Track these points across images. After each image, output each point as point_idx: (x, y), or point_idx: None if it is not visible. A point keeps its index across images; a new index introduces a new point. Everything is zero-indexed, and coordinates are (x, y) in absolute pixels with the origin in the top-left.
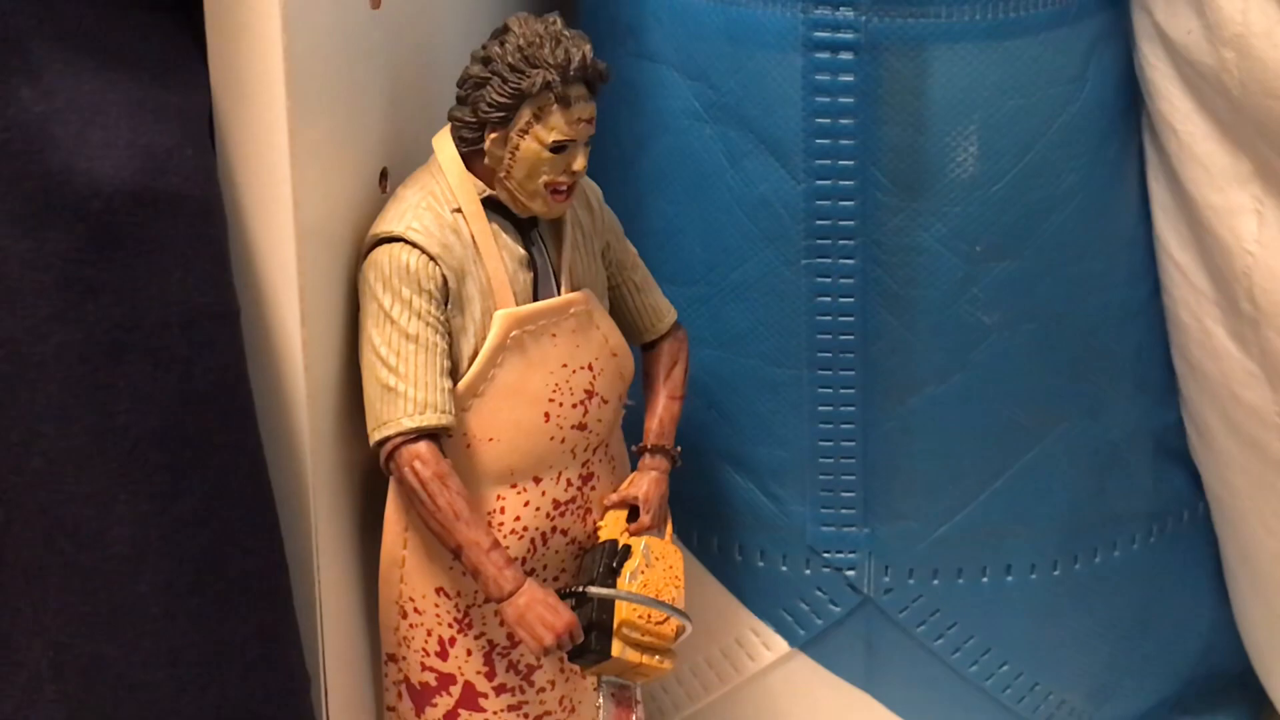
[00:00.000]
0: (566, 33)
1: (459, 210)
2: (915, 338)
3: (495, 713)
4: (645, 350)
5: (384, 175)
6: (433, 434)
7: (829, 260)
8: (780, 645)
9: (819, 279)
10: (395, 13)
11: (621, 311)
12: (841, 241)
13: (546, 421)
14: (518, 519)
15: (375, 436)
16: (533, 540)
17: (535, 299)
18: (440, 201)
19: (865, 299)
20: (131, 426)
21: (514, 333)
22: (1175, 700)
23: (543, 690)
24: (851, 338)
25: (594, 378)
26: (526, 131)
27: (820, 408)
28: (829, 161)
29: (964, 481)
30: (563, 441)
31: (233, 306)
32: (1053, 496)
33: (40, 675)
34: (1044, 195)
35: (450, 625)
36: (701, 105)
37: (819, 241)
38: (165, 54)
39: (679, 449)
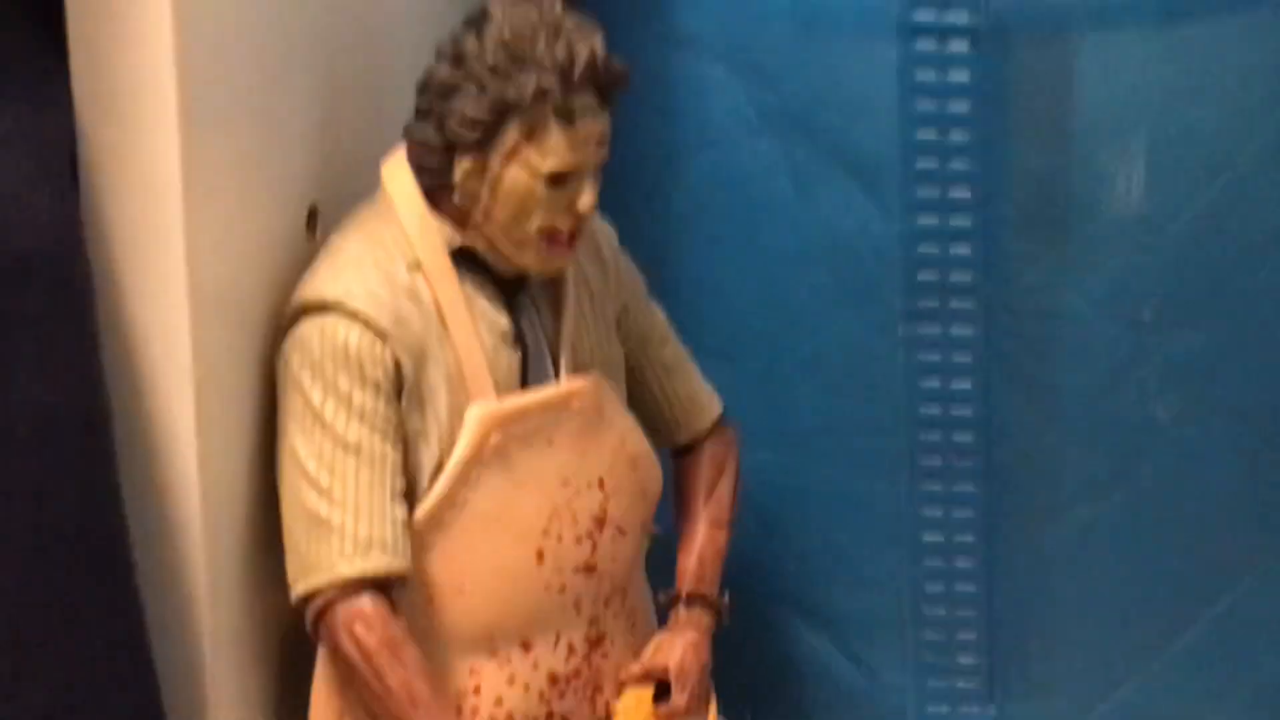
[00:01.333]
0: (568, 20)
1: (418, 267)
2: (1060, 438)
3: None
4: (678, 457)
5: (312, 216)
6: (380, 584)
7: (937, 328)
8: None
9: (923, 354)
10: None
11: (645, 403)
12: (955, 303)
13: (540, 563)
14: (499, 702)
15: (300, 588)
16: None
17: (524, 388)
18: (392, 254)
19: (989, 382)
20: None
21: (494, 437)
22: None
23: None
24: (969, 438)
25: (606, 499)
26: (513, 157)
27: (926, 537)
28: (936, 191)
29: (1130, 642)
30: (562, 590)
31: (102, 410)
32: (1257, 664)
33: None
34: (1239, 241)
35: None
36: (757, 112)
37: (923, 302)
38: (10, 61)
39: (726, 597)
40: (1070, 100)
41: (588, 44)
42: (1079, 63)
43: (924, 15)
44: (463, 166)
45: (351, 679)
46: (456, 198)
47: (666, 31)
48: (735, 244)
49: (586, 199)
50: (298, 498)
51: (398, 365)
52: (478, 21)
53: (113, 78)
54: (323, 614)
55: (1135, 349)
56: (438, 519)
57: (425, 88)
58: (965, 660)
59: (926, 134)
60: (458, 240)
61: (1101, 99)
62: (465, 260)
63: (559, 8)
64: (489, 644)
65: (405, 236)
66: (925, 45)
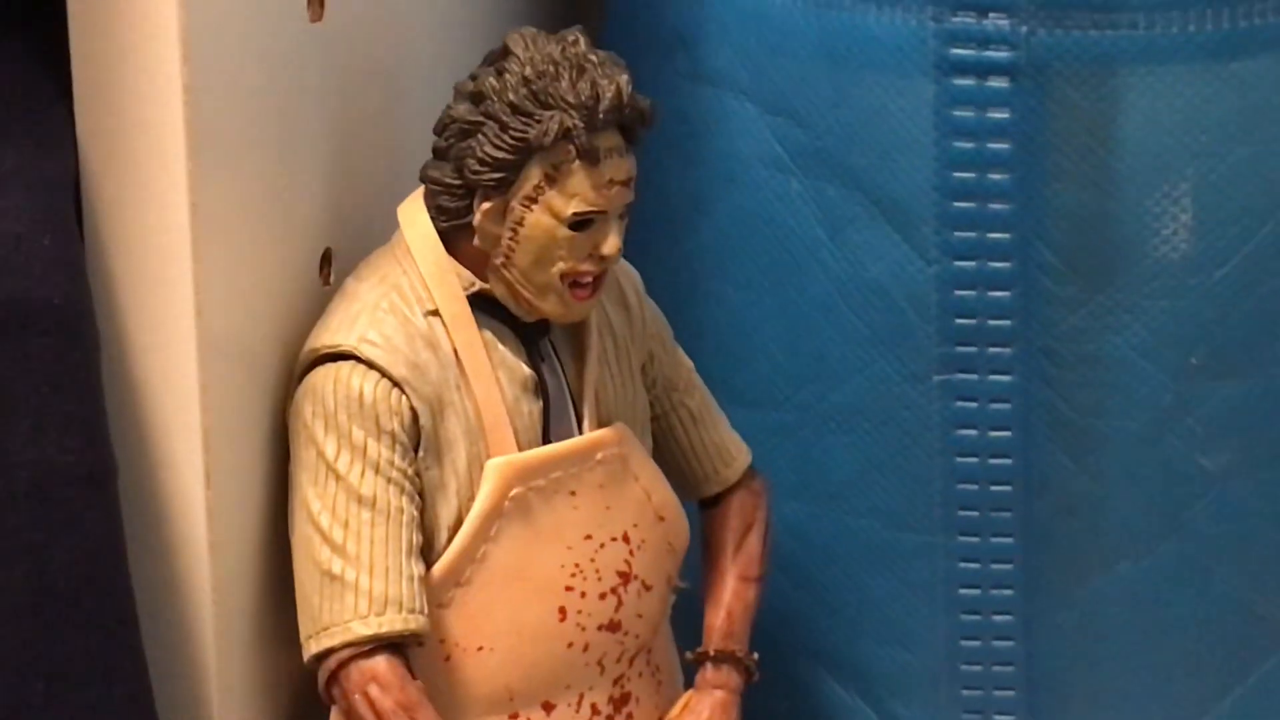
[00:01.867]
0: (593, 57)
1: (435, 313)
2: (1102, 490)
3: None
4: (705, 508)
5: (326, 260)
6: (396, 644)
7: (974, 376)
8: None
9: (960, 403)
10: (345, 27)
11: (671, 453)
12: (993, 349)
13: (562, 620)
14: None
15: (313, 648)
16: None
17: (546, 440)
18: (409, 300)
19: (1028, 433)
20: None
21: (515, 490)
22: None
23: None
24: (1008, 489)
25: (631, 553)
26: (535, 199)
27: (962, 591)
28: (973, 234)
29: (1176, 702)
30: (586, 649)
31: (106, 464)
32: None
33: None
34: None
35: None
36: (787, 150)
37: (960, 348)
38: (10, 98)
39: (756, 656)
40: (1114, 140)
41: (613, 81)
42: (1123, 101)
43: (962, 51)
44: (482, 209)
45: None
46: (476, 241)
47: (692, 68)
48: (764, 288)
49: (611, 243)
50: (310, 554)
51: (415, 415)
52: (498, 58)
53: (118, 116)
54: (336, 675)
55: (1181, 397)
56: (456, 575)
57: (443, 127)
58: (1003, 719)
59: (964, 175)
60: (477, 285)
61: (1147, 138)
62: (485, 306)
63: (583, 44)
64: (509, 705)
65: (422, 281)
66: (963, 82)
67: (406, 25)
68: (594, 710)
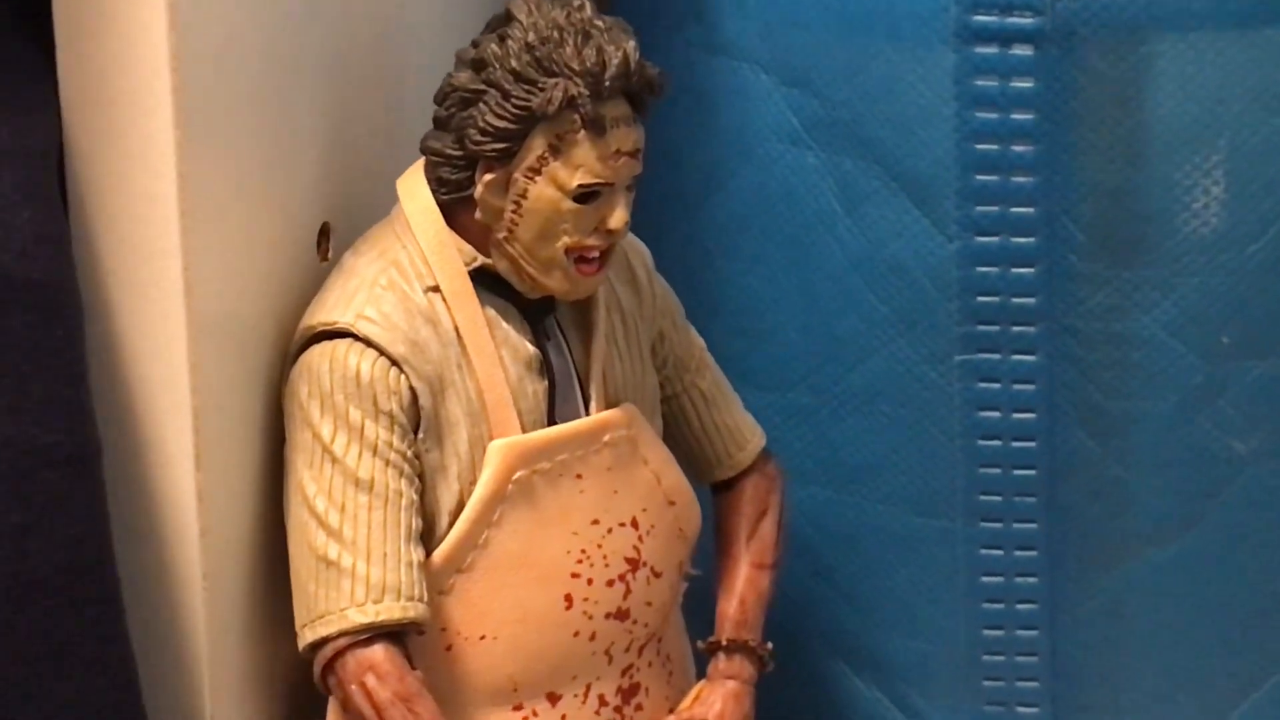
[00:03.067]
0: (599, 23)
1: (436, 289)
2: (1130, 474)
3: None
4: (718, 493)
5: (324, 235)
6: (395, 633)
7: (997, 356)
8: None
9: (982, 384)
10: None
11: (683, 436)
12: (1016, 328)
13: (568, 608)
14: None
15: (309, 636)
16: None
17: (551, 421)
18: (408, 276)
19: (1053, 415)
20: None
21: (519, 473)
22: None
23: None
24: (1032, 473)
25: (640, 539)
26: (539, 171)
27: (984, 578)
28: (996, 208)
29: (1203, 693)
30: (593, 638)
31: (90, 445)
32: None
33: None
34: None
35: None
36: (803, 123)
37: (982, 328)
38: None
39: (770, 645)
40: (1143, 110)
41: (620, 48)
42: (1153, 69)
43: (984, 18)
44: (484, 181)
45: None
46: (478, 214)
47: (705, 36)
48: (779, 265)
49: (618, 216)
50: (306, 539)
51: (414, 395)
52: (501, 24)
53: (103, 84)
54: (332, 664)
55: (1212, 378)
56: (457, 561)
57: (444, 96)
58: (1026, 711)
59: (986, 147)
60: (479, 260)
61: (1177, 108)
62: (487, 282)
63: (589, 9)
64: (513, 696)
65: (422, 257)
66: (985, 51)
67: None
68: (601, 701)
